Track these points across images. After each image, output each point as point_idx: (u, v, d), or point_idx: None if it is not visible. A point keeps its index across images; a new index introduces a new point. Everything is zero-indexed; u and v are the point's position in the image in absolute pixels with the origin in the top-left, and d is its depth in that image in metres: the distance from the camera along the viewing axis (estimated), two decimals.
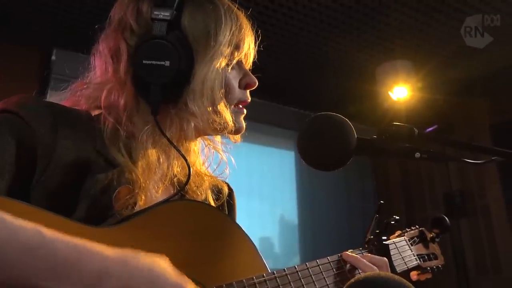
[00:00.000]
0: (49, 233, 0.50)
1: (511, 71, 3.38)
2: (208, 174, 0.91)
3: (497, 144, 3.58)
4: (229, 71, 0.82)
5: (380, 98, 3.53)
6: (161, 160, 0.79)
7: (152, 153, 0.77)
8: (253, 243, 0.77)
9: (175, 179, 0.83)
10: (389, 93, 3.41)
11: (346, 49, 3.11)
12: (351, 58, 3.24)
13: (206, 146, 0.90)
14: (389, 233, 1.06)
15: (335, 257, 0.88)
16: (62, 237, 0.51)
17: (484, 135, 3.80)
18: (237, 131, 0.87)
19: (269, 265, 0.76)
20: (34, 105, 0.69)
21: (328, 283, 0.81)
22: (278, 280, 0.73)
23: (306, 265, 0.80)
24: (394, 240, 1.05)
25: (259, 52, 0.91)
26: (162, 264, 0.56)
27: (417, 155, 0.77)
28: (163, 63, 0.73)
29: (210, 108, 0.78)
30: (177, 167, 0.83)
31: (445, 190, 3.97)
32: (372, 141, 0.79)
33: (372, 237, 1.00)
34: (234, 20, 0.82)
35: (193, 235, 0.70)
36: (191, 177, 0.87)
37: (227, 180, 0.97)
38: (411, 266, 1.04)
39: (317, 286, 0.79)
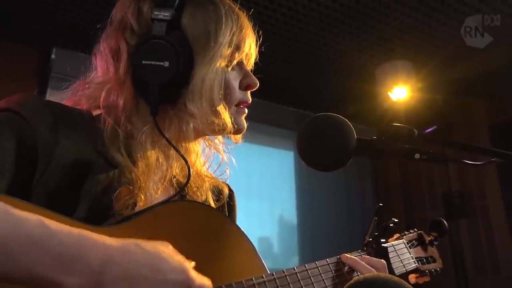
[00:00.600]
0: (52, 224, 0.51)
1: (510, 71, 3.38)
2: (208, 175, 0.91)
3: (496, 144, 3.59)
4: (229, 71, 0.82)
5: (380, 98, 3.53)
6: (160, 160, 0.78)
7: (152, 154, 0.77)
8: (252, 244, 0.77)
9: (174, 180, 0.83)
10: (389, 93, 3.40)
11: (346, 49, 3.11)
12: (351, 58, 3.24)
13: (207, 147, 0.90)
14: (388, 235, 1.06)
15: (334, 259, 0.88)
16: (65, 228, 0.51)
17: (483, 136, 3.81)
18: (237, 131, 0.86)
19: (268, 265, 0.76)
20: (35, 104, 0.68)
21: (327, 284, 0.82)
22: (277, 281, 0.73)
23: (305, 267, 0.80)
24: (392, 243, 1.05)
25: (258, 52, 0.91)
26: (164, 249, 0.57)
27: (417, 156, 0.77)
28: (162, 63, 0.72)
29: (209, 109, 0.77)
30: (176, 168, 0.83)
31: (445, 191, 3.97)
32: (371, 142, 0.79)
33: (370, 239, 1.01)
34: (235, 21, 0.82)
35: (192, 235, 0.70)
36: (192, 178, 0.87)
37: (227, 181, 0.97)
38: (409, 269, 1.04)
39: None
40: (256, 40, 0.88)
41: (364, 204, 4.39)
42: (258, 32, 0.89)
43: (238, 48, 0.82)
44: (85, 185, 0.67)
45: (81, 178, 0.68)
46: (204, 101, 0.76)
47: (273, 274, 0.73)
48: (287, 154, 4.15)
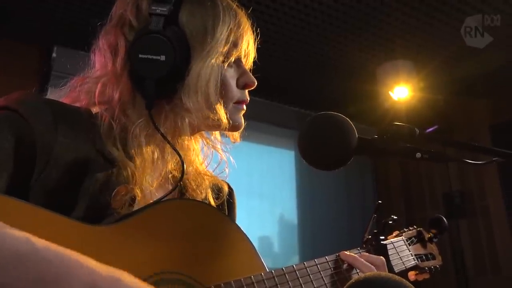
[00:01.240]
0: (39, 242, 0.49)
1: (511, 71, 3.38)
2: (208, 174, 0.91)
3: (497, 144, 3.58)
4: (225, 68, 0.82)
5: (381, 98, 3.52)
6: (155, 155, 0.78)
7: (146, 148, 0.77)
8: (251, 243, 0.77)
9: (170, 176, 0.83)
10: (390, 93, 3.40)
11: (347, 49, 3.11)
12: (352, 58, 3.24)
13: (205, 146, 0.90)
14: (387, 233, 1.06)
15: (333, 257, 0.88)
16: (52, 248, 0.49)
17: (484, 135, 3.80)
18: (233, 128, 0.86)
19: (268, 264, 0.76)
20: (34, 102, 0.68)
21: (326, 282, 0.82)
22: (276, 279, 0.73)
23: (304, 265, 0.80)
24: (392, 240, 1.05)
25: (259, 51, 0.91)
26: None
27: (418, 155, 0.77)
28: (158, 57, 0.72)
29: (204, 104, 0.77)
30: (172, 163, 0.83)
31: (445, 191, 3.97)
32: (372, 141, 0.78)
33: (370, 237, 1.00)
34: (233, 18, 0.82)
35: (191, 234, 0.70)
36: (191, 176, 0.87)
37: (226, 179, 0.97)
38: (409, 266, 1.04)
39: (315, 286, 0.79)
40: (255, 39, 0.88)
41: (364, 204, 4.39)
42: (259, 31, 0.89)
43: (235, 45, 0.82)
44: (84, 184, 0.67)
45: (79, 176, 0.67)
46: (199, 95, 0.76)
47: (272, 272, 0.73)
48: (288, 153, 4.15)
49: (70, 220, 0.59)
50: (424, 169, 4.30)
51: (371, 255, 0.93)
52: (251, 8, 0.90)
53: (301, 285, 0.76)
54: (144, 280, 0.62)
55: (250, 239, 0.77)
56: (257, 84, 0.88)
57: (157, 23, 0.74)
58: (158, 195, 0.80)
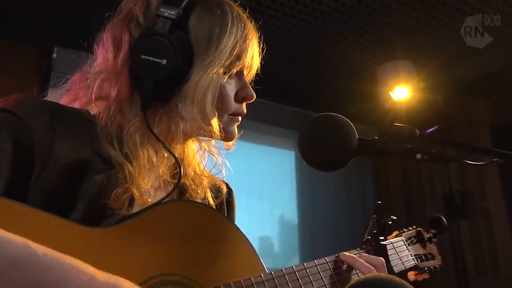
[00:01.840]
0: (37, 247, 0.49)
1: (511, 72, 3.37)
2: (206, 174, 0.91)
3: (497, 145, 3.58)
4: (226, 80, 0.80)
5: (381, 98, 3.52)
6: (150, 154, 0.78)
7: (142, 148, 0.76)
8: (250, 244, 0.77)
9: (169, 176, 0.82)
10: (390, 93, 3.40)
11: (347, 49, 3.11)
12: (352, 58, 3.24)
13: (200, 149, 0.90)
14: (387, 233, 1.06)
15: (332, 257, 0.88)
16: (50, 253, 0.49)
17: (484, 136, 3.80)
18: (226, 139, 0.86)
19: (268, 264, 0.76)
20: (32, 104, 0.68)
21: (325, 283, 0.82)
22: (276, 281, 0.73)
23: (304, 265, 0.80)
24: (391, 240, 1.05)
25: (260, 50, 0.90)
26: None
27: (418, 156, 0.76)
28: (160, 60, 0.72)
29: (199, 115, 0.76)
30: (169, 163, 0.83)
31: (445, 191, 3.97)
32: (373, 142, 0.78)
33: (369, 237, 1.00)
34: (240, 30, 0.81)
35: (190, 235, 0.70)
36: (190, 176, 0.87)
37: (226, 180, 0.97)
38: (408, 266, 1.04)
39: (314, 286, 0.79)
40: (260, 52, 0.87)
41: (364, 204, 4.39)
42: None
43: (239, 58, 0.81)
44: (82, 186, 0.67)
45: (78, 178, 0.67)
46: (194, 106, 0.76)
47: (271, 274, 0.73)
48: (288, 153, 4.15)
49: (69, 223, 0.59)
50: (424, 170, 4.29)
51: (370, 255, 0.93)
52: (252, 9, 0.89)
53: (301, 286, 0.76)
54: (144, 282, 0.62)
55: (249, 240, 0.77)
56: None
57: (164, 26, 0.73)
58: (156, 195, 0.80)
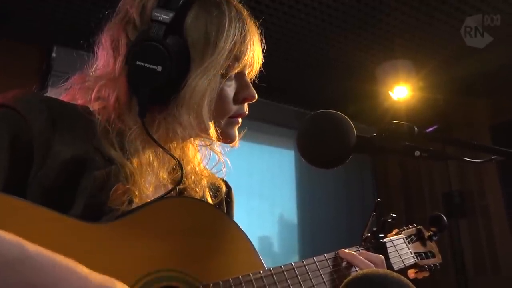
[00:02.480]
0: (32, 248, 0.48)
1: (511, 71, 3.38)
2: (205, 173, 0.90)
3: (497, 144, 3.57)
4: (224, 82, 0.79)
5: (380, 97, 3.52)
6: (151, 159, 0.78)
7: (143, 153, 0.76)
8: (249, 241, 0.77)
9: (169, 177, 0.82)
10: (390, 92, 3.40)
11: (347, 48, 3.11)
12: (352, 57, 3.24)
13: (203, 147, 0.89)
14: (387, 231, 1.06)
15: (332, 254, 0.88)
16: (45, 253, 0.49)
17: (484, 135, 3.80)
18: (226, 141, 0.85)
19: (268, 264, 0.76)
20: (32, 100, 0.68)
21: (324, 280, 0.81)
22: (275, 277, 0.73)
23: (303, 262, 0.80)
24: (391, 238, 1.05)
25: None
26: None
27: (417, 153, 0.77)
28: (155, 67, 0.71)
29: (195, 122, 0.75)
30: (169, 167, 0.82)
31: (445, 190, 3.97)
32: (372, 139, 0.79)
33: (369, 234, 1.00)
34: (239, 30, 0.78)
35: (189, 232, 0.70)
36: (189, 175, 0.87)
37: (226, 179, 0.97)
38: (408, 264, 1.04)
39: (313, 283, 0.79)
40: (262, 49, 0.86)
41: (364, 203, 4.39)
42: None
43: (237, 59, 0.79)
44: (81, 182, 0.66)
45: (77, 174, 0.67)
46: (191, 113, 0.74)
47: (270, 270, 0.73)
48: (288, 153, 4.15)
49: (68, 218, 0.59)
50: (423, 169, 4.30)
51: (370, 253, 0.93)
52: (252, 8, 0.89)
53: (300, 283, 0.76)
54: (142, 277, 0.62)
55: (248, 237, 0.77)
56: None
57: (159, 30, 0.72)
58: (156, 195, 0.80)
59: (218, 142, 0.87)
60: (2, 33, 2.76)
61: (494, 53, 3.05)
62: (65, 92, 0.80)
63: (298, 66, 3.37)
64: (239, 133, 0.88)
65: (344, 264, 0.88)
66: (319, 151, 0.78)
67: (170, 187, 0.82)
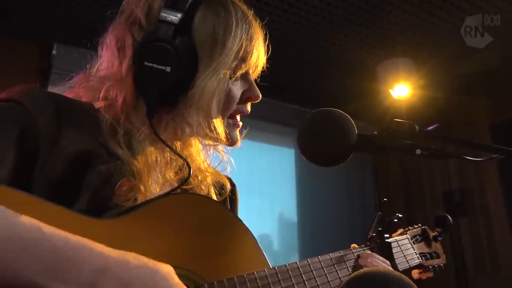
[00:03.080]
0: (48, 229, 0.50)
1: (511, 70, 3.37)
2: (210, 171, 0.90)
3: (497, 143, 3.57)
4: (231, 82, 0.80)
5: (381, 96, 3.52)
6: (159, 159, 0.78)
7: (151, 152, 0.77)
8: (254, 238, 0.77)
9: (175, 177, 0.82)
10: (390, 91, 3.40)
11: (347, 46, 3.11)
12: (352, 56, 3.23)
13: (206, 147, 0.89)
14: (392, 231, 1.05)
15: (336, 254, 0.88)
16: (62, 234, 0.50)
17: (484, 134, 3.80)
18: (230, 144, 0.86)
19: None
20: (38, 95, 0.68)
21: (329, 279, 0.81)
22: (279, 275, 0.73)
23: (308, 261, 0.80)
24: (396, 238, 1.05)
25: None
26: (165, 269, 0.55)
27: (418, 151, 0.77)
28: (164, 68, 0.71)
29: (204, 122, 0.76)
30: (176, 167, 0.83)
31: (445, 189, 3.97)
32: (372, 137, 0.78)
33: (374, 234, 1.00)
34: (245, 31, 0.79)
35: (195, 228, 0.70)
36: (194, 172, 0.87)
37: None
38: (413, 265, 1.04)
39: (318, 282, 0.79)
40: (266, 51, 0.86)
41: (364, 202, 4.39)
42: (264, 29, 0.87)
43: (244, 59, 0.80)
44: (87, 177, 0.67)
45: (83, 169, 0.67)
46: (200, 112, 0.75)
47: (275, 268, 0.73)
48: (288, 151, 4.14)
49: (72, 213, 0.59)
50: (424, 167, 4.30)
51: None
52: (252, 6, 0.89)
53: (304, 282, 0.76)
54: None
55: (253, 234, 0.77)
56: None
57: (167, 31, 0.72)
58: (161, 193, 0.80)
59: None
60: (2, 31, 2.76)
61: (494, 52, 3.05)
62: (69, 90, 0.80)
63: (298, 64, 3.37)
64: (241, 133, 0.88)
65: (349, 264, 0.88)
66: (319, 149, 0.78)
67: (178, 182, 0.82)
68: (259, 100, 0.86)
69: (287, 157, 4.11)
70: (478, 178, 3.87)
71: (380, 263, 0.89)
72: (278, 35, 2.92)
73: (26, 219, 0.49)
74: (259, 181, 3.79)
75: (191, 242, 0.69)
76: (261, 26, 0.85)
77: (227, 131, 0.82)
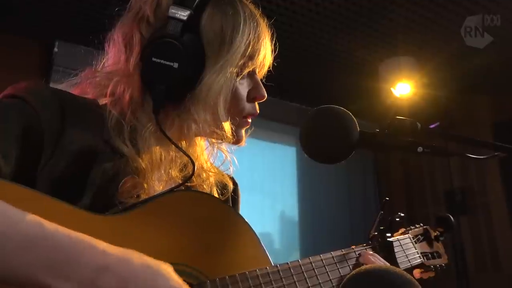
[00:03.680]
0: (50, 226, 0.50)
1: None
2: (213, 170, 0.90)
3: (499, 142, 3.56)
4: (238, 81, 0.80)
5: (383, 94, 3.52)
6: (163, 156, 0.78)
7: (155, 149, 0.77)
8: (256, 236, 0.77)
9: (179, 175, 0.82)
10: (392, 89, 3.40)
11: (350, 45, 3.10)
12: (355, 54, 3.23)
13: (210, 145, 0.89)
14: (394, 230, 1.05)
15: (338, 252, 0.88)
16: (63, 231, 0.50)
17: (487, 133, 3.79)
18: (235, 142, 0.86)
19: None
20: (42, 91, 0.68)
21: (331, 278, 0.81)
22: (281, 273, 0.73)
23: (309, 259, 0.80)
24: (398, 237, 1.04)
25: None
26: (166, 267, 0.55)
27: (420, 149, 0.76)
28: (171, 64, 0.71)
29: (211, 119, 0.76)
30: (180, 164, 0.83)
31: (446, 188, 3.97)
32: (374, 135, 0.78)
33: (376, 233, 1.00)
34: (253, 29, 0.79)
35: (197, 225, 0.70)
36: (197, 171, 0.87)
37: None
38: (414, 264, 1.03)
39: (319, 280, 0.79)
40: (273, 50, 0.86)
41: (365, 200, 4.39)
42: (271, 31, 0.87)
43: (251, 58, 0.80)
44: (91, 174, 0.67)
45: (87, 166, 0.67)
46: (207, 110, 0.75)
47: (276, 266, 0.73)
48: (290, 149, 4.15)
49: (77, 209, 0.59)
50: (425, 166, 4.29)
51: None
52: (259, 6, 0.89)
53: (306, 279, 0.76)
54: None
55: (255, 232, 0.77)
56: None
57: (175, 28, 0.72)
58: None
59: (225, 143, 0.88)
60: (4, 27, 2.76)
61: (497, 51, 3.04)
62: (75, 86, 0.80)
63: (300, 62, 3.36)
64: (246, 132, 0.89)
65: (350, 262, 0.88)
66: (321, 146, 0.78)
67: (181, 180, 0.82)
68: (264, 99, 0.86)
69: (288, 155, 4.11)
70: (479, 177, 3.86)
71: (381, 262, 0.89)
72: (281, 33, 2.90)
73: (27, 215, 0.49)
74: (260, 179, 3.79)
75: (194, 239, 0.69)
76: (268, 26, 0.86)
77: (234, 129, 0.82)
